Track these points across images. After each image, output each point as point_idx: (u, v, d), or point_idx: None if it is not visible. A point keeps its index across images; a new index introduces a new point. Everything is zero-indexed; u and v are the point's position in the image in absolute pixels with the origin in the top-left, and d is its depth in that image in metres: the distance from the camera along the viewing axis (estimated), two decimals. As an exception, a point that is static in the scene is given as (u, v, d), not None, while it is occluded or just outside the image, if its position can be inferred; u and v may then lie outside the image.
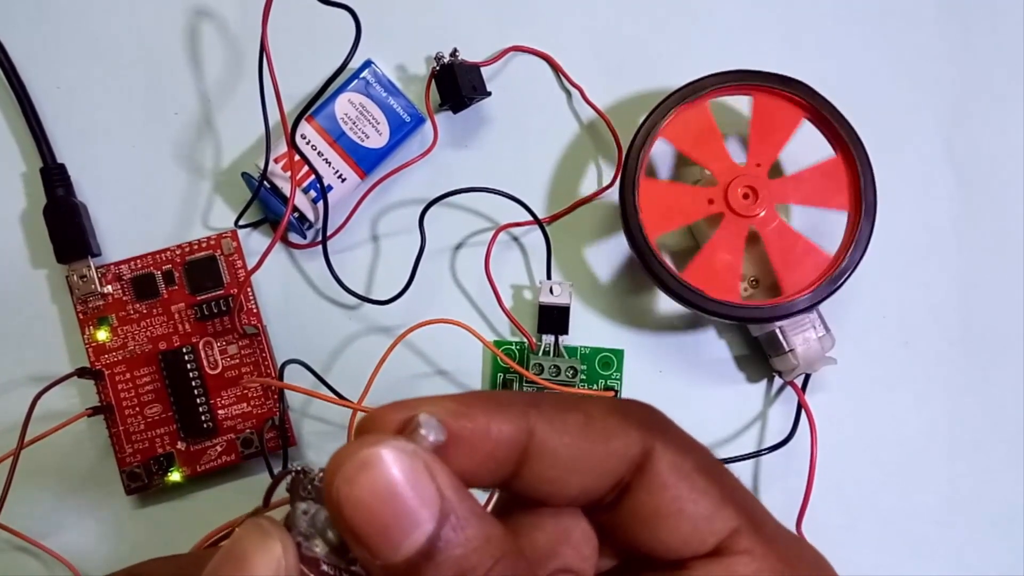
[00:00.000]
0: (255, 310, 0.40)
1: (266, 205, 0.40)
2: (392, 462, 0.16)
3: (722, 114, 0.41)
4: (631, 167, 0.38)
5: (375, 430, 0.18)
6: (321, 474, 0.18)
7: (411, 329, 0.37)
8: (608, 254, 0.42)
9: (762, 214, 0.38)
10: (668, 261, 0.38)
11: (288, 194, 0.38)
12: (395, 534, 0.16)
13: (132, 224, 0.40)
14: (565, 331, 0.40)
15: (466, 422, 0.18)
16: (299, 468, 0.19)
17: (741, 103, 0.41)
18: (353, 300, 0.40)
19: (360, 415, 0.38)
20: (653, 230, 0.38)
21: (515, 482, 0.19)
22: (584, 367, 0.40)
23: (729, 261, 0.38)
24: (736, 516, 0.19)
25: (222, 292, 0.39)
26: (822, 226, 0.40)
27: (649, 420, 0.20)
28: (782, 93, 0.38)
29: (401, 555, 0.16)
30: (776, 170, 0.40)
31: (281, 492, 0.22)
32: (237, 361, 0.39)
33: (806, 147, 0.39)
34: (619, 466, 0.19)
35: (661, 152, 0.42)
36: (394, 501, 0.16)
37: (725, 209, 0.38)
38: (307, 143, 0.39)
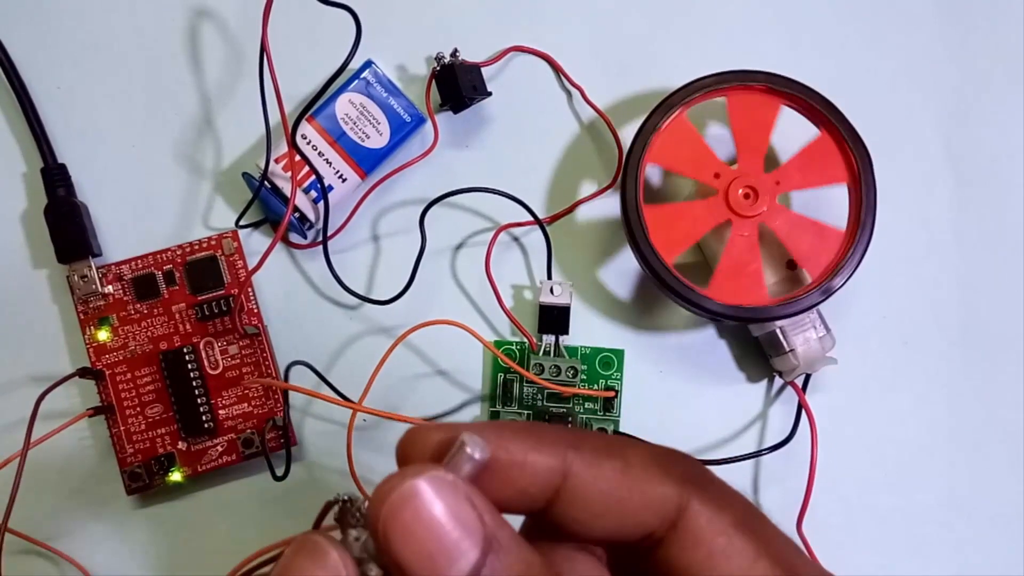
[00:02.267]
0: (256, 310, 0.40)
1: (267, 205, 0.40)
2: (434, 493, 0.17)
3: (716, 113, 0.41)
4: (631, 198, 0.37)
5: (417, 449, 0.19)
6: (367, 502, 0.18)
7: (411, 330, 0.37)
8: (608, 254, 0.42)
9: (766, 209, 0.38)
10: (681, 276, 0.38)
11: (289, 194, 0.38)
12: (441, 563, 0.17)
13: (133, 224, 0.40)
14: (565, 331, 0.40)
15: (503, 453, 0.18)
16: (346, 497, 0.19)
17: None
18: (354, 300, 0.40)
19: (360, 415, 0.39)
20: (669, 254, 0.37)
21: (544, 515, 0.19)
22: (584, 367, 0.40)
23: (749, 264, 0.38)
24: (770, 570, 0.19)
25: (223, 292, 0.39)
26: (824, 215, 0.39)
27: (689, 473, 0.20)
28: (752, 87, 0.38)
29: None
30: (771, 162, 0.40)
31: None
32: (238, 361, 0.39)
33: (793, 132, 0.39)
34: (652, 519, 0.19)
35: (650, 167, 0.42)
36: (438, 531, 0.17)
37: (730, 214, 0.38)
38: (308, 143, 0.39)
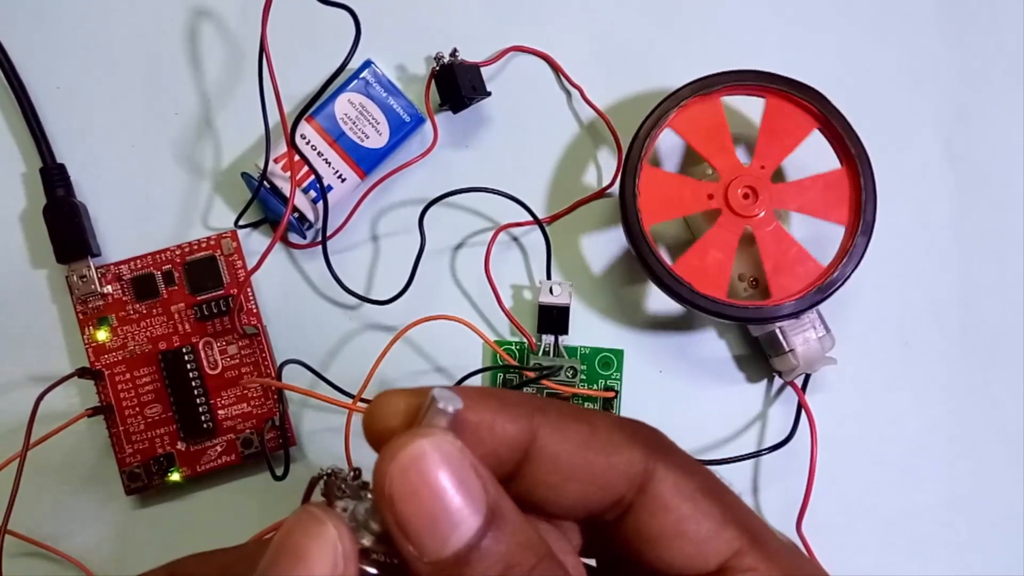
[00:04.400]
0: (255, 310, 0.40)
1: (266, 205, 0.40)
2: (441, 458, 0.17)
3: (729, 115, 0.41)
4: (635, 152, 0.37)
5: (387, 415, 0.19)
6: (352, 473, 0.19)
7: (412, 325, 0.37)
8: (608, 254, 0.42)
9: (760, 215, 0.38)
10: (664, 254, 0.38)
11: (288, 194, 0.38)
12: (443, 528, 0.17)
13: (132, 224, 0.40)
14: (565, 331, 0.40)
15: (471, 415, 0.19)
16: (330, 471, 0.19)
17: (749, 106, 0.41)
18: (353, 300, 0.40)
19: (356, 415, 0.38)
20: (649, 217, 0.37)
21: (513, 483, 0.19)
22: (584, 367, 0.40)
23: (720, 258, 0.38)
24: (739, 536, 0.19)
25: (222, 292, 0.39)
26: (820, 237, 0.39)
27: (653, 441, 0.20)
28: (796, 99, 0.38)
29: (449, 549, 0.17)
30: (779, 175, 0.40)
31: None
32: (237, 361, 0.39)
33: (813, 156, 0.39)
34: (619, 482, 0.19)
35: (668, 148, 0.42)
36: (443, 496, 0.17)
37: (723, 206, 0.38)
38: (307, 143, 0.39)
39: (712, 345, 0.41)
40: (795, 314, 0.37)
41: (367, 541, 0.18)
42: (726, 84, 0.38)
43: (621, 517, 0.20)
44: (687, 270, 0.37)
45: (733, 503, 0.20)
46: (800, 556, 0.21)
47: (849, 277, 0.37)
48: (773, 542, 0.20)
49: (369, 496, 0.18)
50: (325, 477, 0.19)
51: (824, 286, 0.37)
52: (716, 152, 0.38)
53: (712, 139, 0.38)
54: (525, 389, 0.40)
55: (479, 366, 0.41)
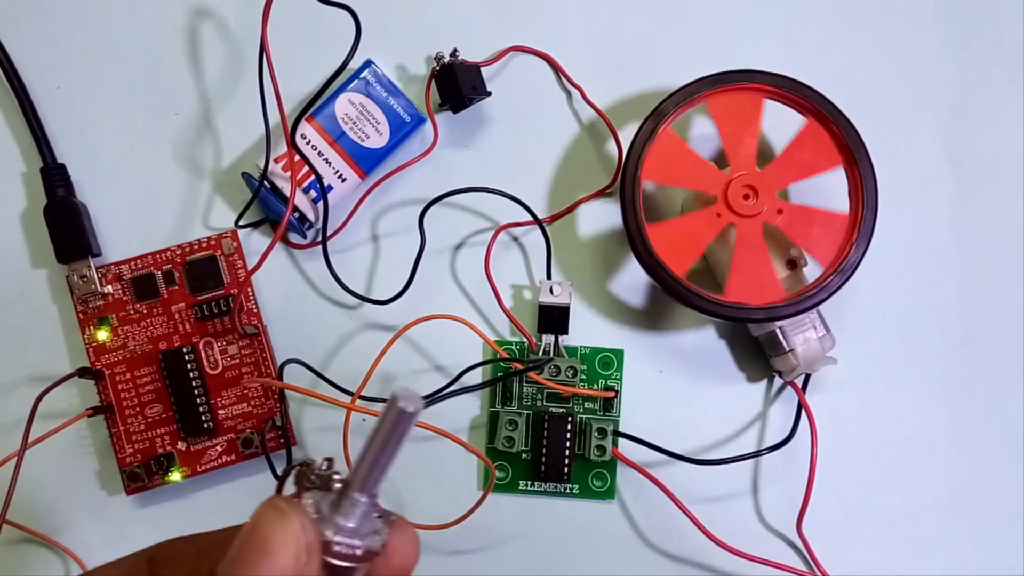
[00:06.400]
0: (255, 310, 0.40)
1: (266, 205, 0.40)
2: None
3: (700, 112, 0.41)
4: (636, 225, 0.37)
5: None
6: (324, 463, 0.20)
7: (412, 323, 0.38)
8: (608, 254, 0.42)
9: (768, 207, 0.38)
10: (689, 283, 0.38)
11: (288, 194, 0.38)
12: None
13: (132, 224, 0.40)
14: (565, 331, 0.40)
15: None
16: (302, 462, 0.20)
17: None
18: (353, 300, 0.40)
19: (355, 414, 0.38)
20: (680, 268, 0.37)
21: None
22: (584, 367, 0.40)
23: (761, 264, 0.38)
24: None
25: (222, 292, 0.39)
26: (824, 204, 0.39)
27: None
28: (732, 88, 0.38)
29: None
30: (764, 159, 0.40)
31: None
32: (237, 361, 0.39)
33: (784, 125, 0.39)
34: None
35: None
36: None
37: (733, 217, 0.38)
38: (307, 143, 0.39)
39: (712, 345, 0.41)
40: (795, 314, 0.37)
41: (331, 533, 0.19)
42: (668, 114, 0.37)
43: None
44: (741, 293, 0.37)
45: None
46: None
47: (850, 279, 0.37)
48: None
49: (338, 487, 0.19)
50: (296, 468, 0.20)
51: (824, 286, 0.37)
52: (696, 178, 0.38)
53: (686, 169, 0.38)
54: (515, 383, 0.40)
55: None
